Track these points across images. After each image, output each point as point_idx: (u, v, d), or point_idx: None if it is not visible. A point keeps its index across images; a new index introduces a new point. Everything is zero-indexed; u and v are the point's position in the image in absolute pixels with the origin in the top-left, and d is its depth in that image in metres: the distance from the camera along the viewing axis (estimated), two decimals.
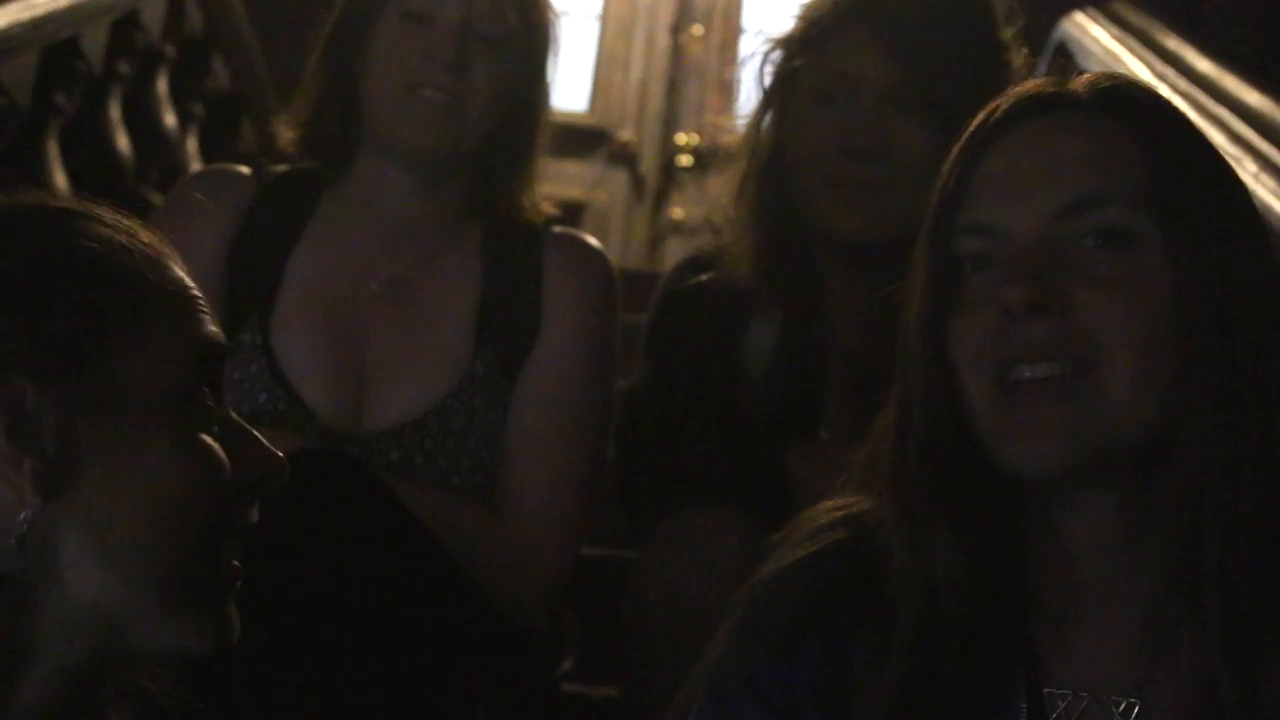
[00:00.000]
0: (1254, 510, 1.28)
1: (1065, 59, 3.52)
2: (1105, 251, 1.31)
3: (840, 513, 1.43)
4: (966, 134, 1.39)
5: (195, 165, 3.61)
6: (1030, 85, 1.40)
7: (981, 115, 1.39)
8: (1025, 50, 2.21)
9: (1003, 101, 1.39)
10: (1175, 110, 1.40)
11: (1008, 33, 2.20)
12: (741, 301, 2.24)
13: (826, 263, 2.22)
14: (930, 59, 2.13)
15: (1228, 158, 1.41)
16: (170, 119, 3.66)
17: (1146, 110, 1.38)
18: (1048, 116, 1.37)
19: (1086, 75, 1.41)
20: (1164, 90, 2.98)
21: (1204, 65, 3.15)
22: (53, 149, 3.01)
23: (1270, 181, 2.71)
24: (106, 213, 1.24)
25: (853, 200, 2.16)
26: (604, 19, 5.40)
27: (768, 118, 2.24)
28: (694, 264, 2.34)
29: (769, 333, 2.21)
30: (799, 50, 2.21)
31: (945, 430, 1.34)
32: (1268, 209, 2.59)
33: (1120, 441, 1.30)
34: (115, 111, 3.35)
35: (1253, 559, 1.28)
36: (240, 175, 2.29)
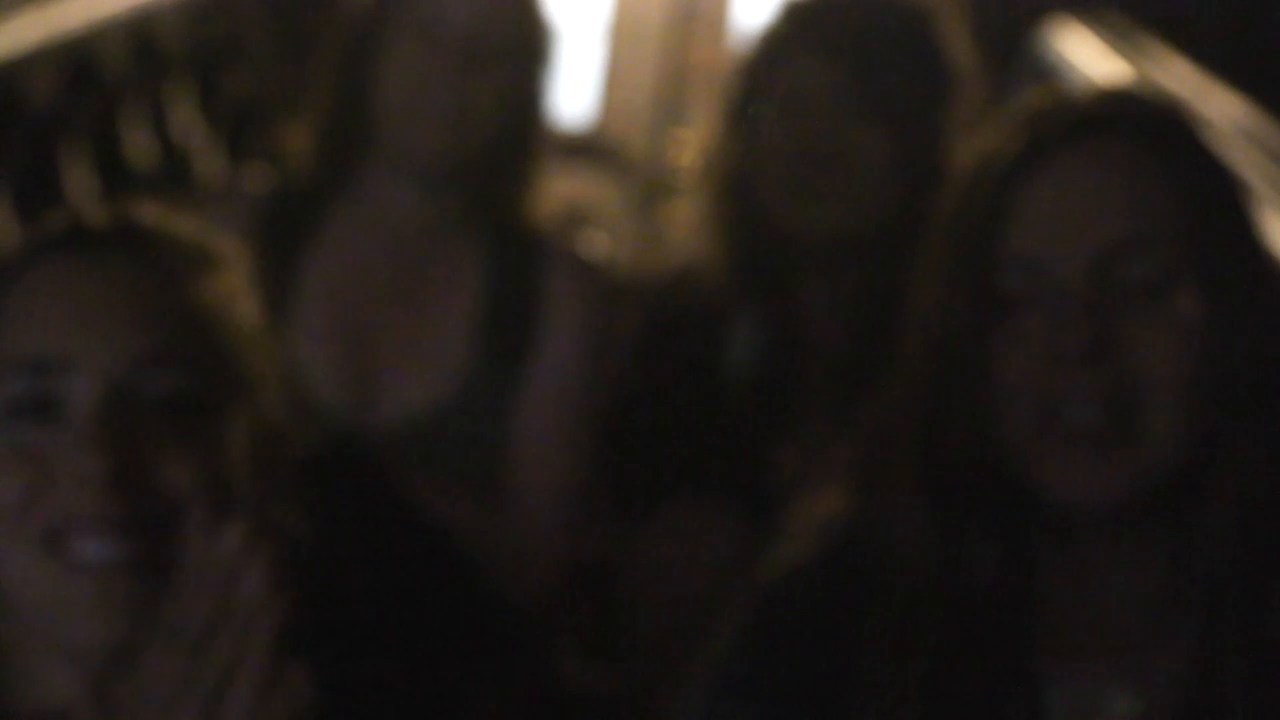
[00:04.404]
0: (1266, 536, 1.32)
1: (1046, 66, 3.55)
2: (1149, 295, 1.33)
3: (845, 512, 1.46)
4: (999, 155, 1.38)
5: (213, 175, 3.64)
6: (1060, 104, 1.40)
7: (1012, 136, 1.39)
8: (975, 51, 2.30)
9: (1033, 122, 1.39)
10: (1205, 137, 1.40)
11: (952, 34, 2.29)
12: (721, 309, 2.32)
13: (800, 265, 2.30)
14: (875, 66, 2.22)
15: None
16: (189, 129, 3.68)
17: (1180, 140, 1.39)
18: (1085, 144, 1.37)
19: (1111, 91, 1.44)
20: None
21: (1186, 74, 3.17)
22: (71, 160, 3.04)
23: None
24: None
25: (819, 203, 2.25)
26: (611, 29, 5.43)
27: (732, 135, 2.32)
28: (674, 276, 2.42)
29: (749, 337, 2.29)
30: (754, 70, 2.30)
31: (976, 449, 1.36)
32: None
33: (1159, 481, 1.33)
34: (133, 122, 3.38)
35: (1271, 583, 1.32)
36: (253, 184, 2.35)
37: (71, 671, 1.25)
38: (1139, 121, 1.39)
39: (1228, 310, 1.33)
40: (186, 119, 3.68)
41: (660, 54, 5.37)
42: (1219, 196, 1.38)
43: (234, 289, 1.34)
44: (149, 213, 1.34)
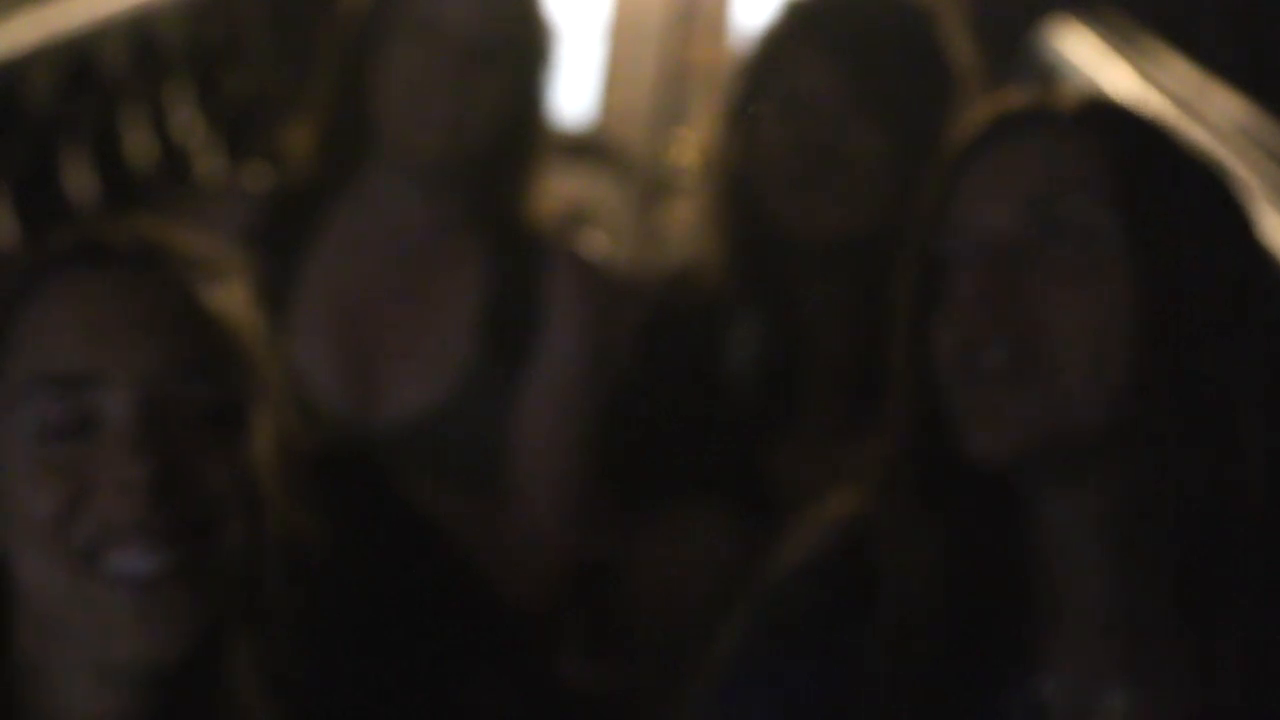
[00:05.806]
0: (1208, 508, 1.29)
1: (1046, 65, 3.56)
2: (1061, 243, 1.33)
3: (848, 513, 1.46)
4: (951, 148, 1.41)
5: (213, 175, 3.64)
6: (1014, 101, 1.42)
7: (966, 128, 1.42)
8: (975, 51, 2.30)
9: (986, 116, 1.41)
10: (1153, 119, 1.41)
11: (953, 35, 2.29)
12: (721, 309, 2.33)
13: (802, 266, 2.31)
14: (878, 65, 2.23)
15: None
16: (189, 129, 3.69)
17: (1123, 118, 1.40)
18: (1027, 135, 1.39)
19: (1074, 92, 1.44)
20: (1149, 98, 3.04)
21: (1188, 74, 3.17)
22: (71, 160, 3.04)
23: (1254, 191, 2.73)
24: None
25: (819, 203, 2.25)
26: (611, 29, 5.44)
27: (732, 135, 2.33)
28: (674, 276, 2.43)
29: (749, 337, 2.30)
30: (754, 70, 2.31)
31: (931, 428, 1.36)
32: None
33: (1073, 432, 1.32)
34: (133, 122, 3.38)
35: (1225, 560, 1.30)
36: (253, 184, 2.36)
37: (101, 689, 1.26)
38: (1090, 106, 1.40)
39: (1153, 263, 1.32)
40: (186, 119, 3.69)
41: (660, 54, 5.37)
42: (1158, 156, 1.37)
43: (243, 298, 1.35)
44: (155, 226, 1.35)
